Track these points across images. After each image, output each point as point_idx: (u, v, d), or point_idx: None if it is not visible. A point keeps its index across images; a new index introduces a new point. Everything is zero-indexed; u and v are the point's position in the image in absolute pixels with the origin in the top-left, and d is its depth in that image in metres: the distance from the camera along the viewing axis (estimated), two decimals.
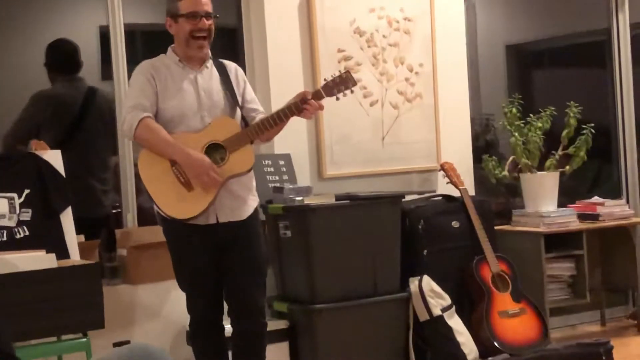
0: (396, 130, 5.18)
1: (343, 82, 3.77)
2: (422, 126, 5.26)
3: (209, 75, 3.73)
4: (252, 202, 3.76)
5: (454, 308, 4.64)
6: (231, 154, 3.61)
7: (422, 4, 5.25)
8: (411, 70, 5.22)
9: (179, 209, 3.57)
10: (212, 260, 3.67)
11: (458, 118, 5.39)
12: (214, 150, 3.61)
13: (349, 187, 4.90)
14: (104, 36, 4.84)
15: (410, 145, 5.22)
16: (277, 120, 3.66)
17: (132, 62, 4.72)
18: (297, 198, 4.41)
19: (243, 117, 3.75)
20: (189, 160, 3.53)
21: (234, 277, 3.70)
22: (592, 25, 6.40)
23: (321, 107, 3.73)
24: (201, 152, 3.58)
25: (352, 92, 3.82)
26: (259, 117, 3.75)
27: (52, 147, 4.04)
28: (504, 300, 4.78)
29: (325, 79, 3.81)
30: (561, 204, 5.33)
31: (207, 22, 3.65)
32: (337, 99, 3.81)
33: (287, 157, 4.84)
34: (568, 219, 5.21)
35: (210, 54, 3.76)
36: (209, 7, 3.67)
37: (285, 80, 4.86)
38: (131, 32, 4.83)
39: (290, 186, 4.56)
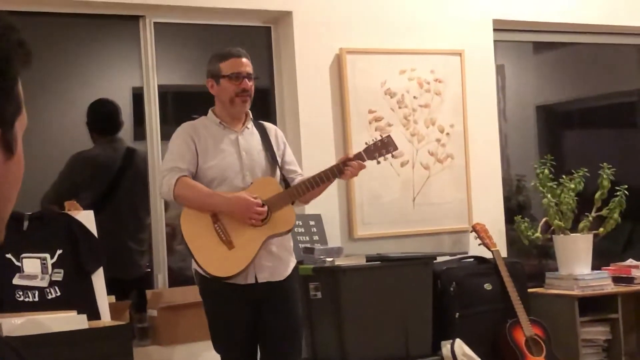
0: (427, 191, 5.16)
1: (384, 146, 3.83)
2: (453, 187, 5.24)
3: (250, 135, 3.77)
4: (291, 263, 3.77)
5: None
6: (273, 214, 3.63)
7: (453, 65, 5.27)
8: (442, 131, 5.23)
9: (219, 267, 3.58)
10: (249, 321, 3.66)
11: (489, 179, 5.36)
12: None
13: (380, 247, 4.87)
14: (137, 97, 4.90)
15: (442, 205, 5.19)
16: (319, 182, 3.69)
17: (165, 122, 4.77)
18: (328, 259, 4.39)
19: (284, 178, 3.77)
20: (232, 202, 3.56)
21: (272, 339, 3.68)
22: (624, 85, 6.39)
23: (362, 167, 3.76)
24: None
25: (393, 156, 3.87)
26: (298, 179, 3.78)
27: (91, 208, 4.06)
28: None
29: (366, 143, 3.87)
30: (595, 266, 5.25)
31: (249, 83, 3.70)
32: (378, 162, 3.88)
33: (317, 218, 4.83)
34: (602, 282, 5.14)
35: (251, 115, 3.80)
36: (250, 69, 3.73)
37: (316, 140, 4.88)
38: (163, 94, 4.88)
39: (321, 247, 4.55)
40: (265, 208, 3.59)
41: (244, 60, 3.72)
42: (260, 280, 3.64)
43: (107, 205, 4.62)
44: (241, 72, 3.69)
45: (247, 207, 3.56)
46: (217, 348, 3.73)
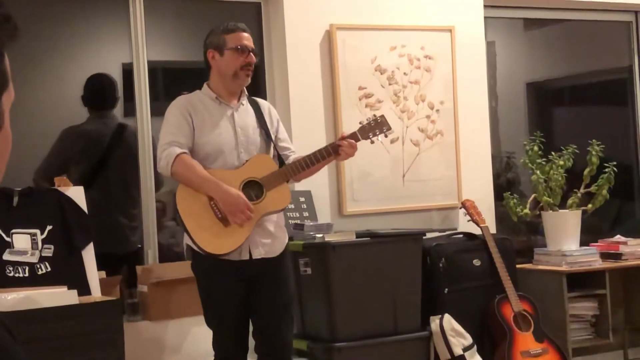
0: (417, 168, 5.17)
1: (378, 126, 3.88)
2: (443, 163, 5.25)
3: (245, 112, 3.78)
4: (284, 239, 3.79)
5: (475, 347, 4.59)
6: (268, 192, 3.64)
7: (443, 41, 5.27)
8: (432, 108, 5.23)
9: (215, 244, 3.59)
10: (242, 296, 3.68)
11: (479, 155, 5.37)
12: (251, 187, 3.64)
13: (370, 224, 4.89)
14: (127, 73, 4.88)
15: (431, 182, 5.21)
16: (315, 161, 3.72)
17: (154, 99, 4.76)
18: (318, 235, 4.41)
19: (278, 155, 3.79)
20: (225, 197, 3.56)
21: (265, 314, 3.70)
22: (614, 62, 6.39)
23: (354, 145, 3.79)
24: (238, 189, 3.61)
25: (385, 136, 3.92)
26: (292, 156, 3.80)
27: (80, 183, 4.06)
28: (526, 340, 4.73)
29: (360, 122, 3.91)
30: (583, 242, 5.28)
31: (254, 57, 3.73)
32: (372, 142, 3.92)
33: (307, 194, 4.84)
34: (590, 258, 5.17)
35: (246, 92, 3.80)
36: (252, 44, 3.75)
37: (306, 117, 4.88)
38: (153, 69, 4.87)
39: (311, 223, 4.56)
40: (253, 215, 3.59)
41: (248, 35, 3.75)
42: (255, 257, 3.66)
43: (97, 181, 4.62)
44: (247, 46, 3.71)
45: (239, 207, 3.55)
46: (209, 323, 3.75)
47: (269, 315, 3.70)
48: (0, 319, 0.96)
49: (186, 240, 3.69)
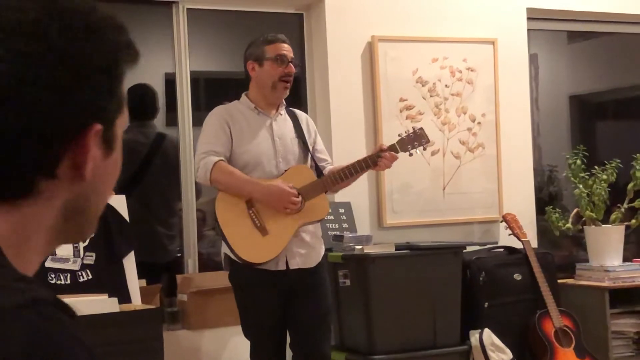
0: (457, 180, 5.14)
1: (417, 139, 3.88)
2: (484, 176, 5.21)
3: (283, 122, 3.79)
4: (321, 250, 3.80)
5: None
6: (307, 202, 3.65)
7: (485, 54, 5.24)
8: (473, 120, 5.20)
9: (252, 252, 3.60)
10: (279, 307, 3.68)
11: (521, 168, 5.33)
12: None
13: (409, 236, 4.87)
14: (169, 83, 4.92)
15: (472, 195, 5.17)
16: (353, 172, 3.72)
17: (196, 109, 4.79)
18: (357, 247, 4.40)
19: (316, 166, 3.79)
20: (267, 192, 3.58)
21: (302, 325, 3.70)
22: None
23: (395, 158, 3.80)
24: None
25: (424, 149, 3.90)
26: (328, 167, 3.80)
27: (118, 192, 4.09)
28: (567, 356, 4.67)
29: (399, 135, 3.90)
30: (626, 258, 5.21)
31: (294, 68, 3.74)
32: (410, 154, 3.91)
33: (347, 205, 4.83)
34: (633, 274, 5.09)
35: (284, 102, 3.81)
36: (291, 54, 3.75)
37: (347, 128, 4.88)
38: (195, 80, 4.90)
39: (350, 234, 4.55)
40: (300, 198, 3.61)
41: (288, 46, 3.76)
42: (291, 267, 3.66)
43: (135, 190, 4.65)
44: (287, 56, 3.71)
45: (284, 197, 3.58)
46: (247, 334, 3.75)
47: (306, 326, 3.69)
48: None
49: (224, 249, 3.70)
